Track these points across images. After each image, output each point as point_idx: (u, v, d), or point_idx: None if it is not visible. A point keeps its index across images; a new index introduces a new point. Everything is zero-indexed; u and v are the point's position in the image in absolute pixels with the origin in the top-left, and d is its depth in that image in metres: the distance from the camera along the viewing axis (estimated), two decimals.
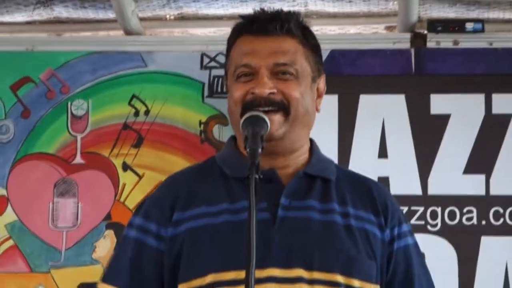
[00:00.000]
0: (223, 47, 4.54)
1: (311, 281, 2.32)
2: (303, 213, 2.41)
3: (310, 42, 2.49)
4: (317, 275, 2.33)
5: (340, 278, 2.34)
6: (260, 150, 2.22)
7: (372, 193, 2.54)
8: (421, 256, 2.64)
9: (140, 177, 4.86)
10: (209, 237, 2.39)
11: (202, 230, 2.40)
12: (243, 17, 2.52)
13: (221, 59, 4.77)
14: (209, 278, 2.33)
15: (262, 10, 2.49)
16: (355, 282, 2.35)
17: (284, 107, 2.36)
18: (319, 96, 2.55)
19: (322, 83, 2.55)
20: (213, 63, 4.89)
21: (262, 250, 2.12)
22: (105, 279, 2.51)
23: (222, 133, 4.85)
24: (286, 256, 2.33)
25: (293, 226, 2.38)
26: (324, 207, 2.43)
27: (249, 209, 2.10)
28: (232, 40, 2.52)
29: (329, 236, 2.40)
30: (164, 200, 2.47)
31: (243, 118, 2.30)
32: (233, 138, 2.60)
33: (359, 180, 2.62)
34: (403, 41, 4.90)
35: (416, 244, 2.60)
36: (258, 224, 2.10)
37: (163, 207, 2.45)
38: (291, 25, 2.43)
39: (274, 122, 2.32)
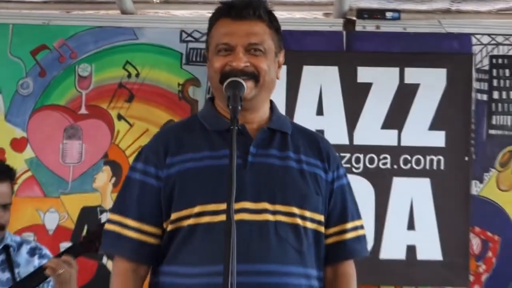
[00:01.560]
0: (198, 26, 5.25)
1: (274, 212, 2.62)
2: (267, 159, 2.72)
3: (274, 25, 2.81)
4: (278, 207, 2.63)
5: (296, 210, 2.65)
6: (240, 108, 2.56)
7: (319, 144, 2.85)
8: (352, 192, 2.92)
9: (131, 125, 5.28)
10: (195, 177, 2.69)
11: (190, 171, 2.72)
12: (222, 3, 2.80)
13: (196, 35, 5.30)
14: (197, 209, 2.63)
15: None
16: (307, 213, 2.67)
17: (254, 76, 2.68)
18: (279, 66, 2.86)
19: (281, 57, 2.86)
20: (189, 38, 5.32)
21: (237, 188, 2.35)
22: (117, 211, 2.82)
23: (195, 93, 5.28)
24: (255, 192, 2.61)
25: (259, 170, 2.68)
26: (282, 155, 2.74)
27: (230, 153, 2.42)
28: (213, 21, 2.79)
29: (287, 177, 2.71)
30: (158, 148, 2.79)
31: (227, 81, 2.63)
32: (210, 99, 2.92)
33: (309, 134, 2.92)
34: (337, 25, 5.30)
35: (349, 184, 2.91)
36: (229, 170, 2.39)
37: (159, 153, 2.76)
38: (260, 11, 2.75)
39: (248, 86, 2.65)
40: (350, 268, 2.85)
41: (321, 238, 2.78)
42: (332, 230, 2.81)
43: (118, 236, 2.75)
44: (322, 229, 2.77)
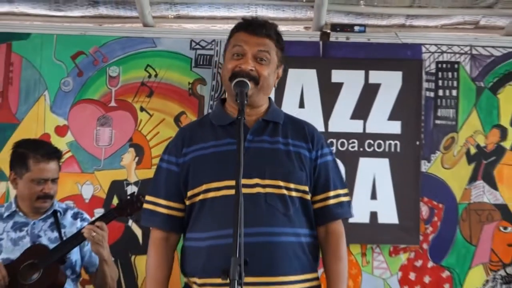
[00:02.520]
0: (204, 36, 5.25)
1: (264, 186, 2.74)
2: (259, 144, 2.83)
3: (280, 44, 2.90)
4: (267, 181, 2.75)
5: (281, 183, 2.76)
6: (246, 102, 2.66)
7: (304, 129, 2.93)
8: (338, 167, 3.03)
9: (150, 115, 5.22)
10: (202, 162, 2.83)
11: (199, 158, 2.84)
12: (243, 19, 2.91)
13: (203, 43, 5.24)
14: (204, 187, 2.77)
15: (256, 19, 2.91)
16: (291, 185, 2.77)
17: (256, 79, 2.75)
18: (277, 78, 2.94)
19: (280, 71, 2.95)
20: (197, 46, 5.25)
21: (235, 168, 2.43)
22: (151, 193, 2.95)
23: (202, 90, 5.23)
24: (249, 171, 2.60)
25: (253, 153, 2.77)
26: (272, 140, 2.84)
27: (238, 139, 2.50)
28: (233, 32, 2.90)
29: (275, 158, 2.81)
30: (177, 142, 2.93)
31: (235, 80, 2.71)
32: (221, 101, 2.99)
33: (297, 122, 2.99)
34: (315, 37, 5.25)
35: (334, 160, 2.99)
36: (233, 152, 2.51)
37: (177, 146, 2.90)
38: (271, 32, 2.85)
39: (250, 86, 2.73)
40: (338, 227, 2.93)
41: (308, 204, 2.86)
42: (318, 197, 2.90)
43: (153, 212, 2.90)
44: (307, 196, 2.85)
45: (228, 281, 2.17)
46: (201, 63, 5.32)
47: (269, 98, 2.98)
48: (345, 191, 2.97)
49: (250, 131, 2.82)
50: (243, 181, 2.49)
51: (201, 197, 2.79)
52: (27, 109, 5.28)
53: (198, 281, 2.77)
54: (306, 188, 2.84)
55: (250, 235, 2.52)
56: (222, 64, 2.96)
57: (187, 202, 2.86)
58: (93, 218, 3.93)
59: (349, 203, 2.99)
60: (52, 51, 5.31)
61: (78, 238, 3.76)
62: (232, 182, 2.43)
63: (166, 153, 2.95)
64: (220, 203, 2.72)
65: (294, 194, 2.80)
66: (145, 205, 2.94)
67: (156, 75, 5.33)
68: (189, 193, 2.83)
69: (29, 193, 3.87)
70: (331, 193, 2.90)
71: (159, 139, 5.23)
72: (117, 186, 5.22)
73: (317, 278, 2.87)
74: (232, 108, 2.87)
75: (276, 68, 2.90)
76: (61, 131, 5.28)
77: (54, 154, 3.97)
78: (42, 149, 3.95)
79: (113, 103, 5.33)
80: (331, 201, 2.90)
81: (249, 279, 2.35)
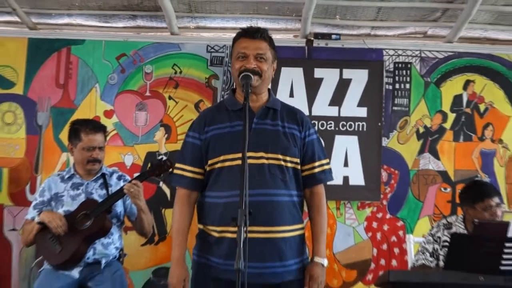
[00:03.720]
0: (217, 42, 5.19)
1: (267, 158, 2.77)
2: (263, 126, 2.85)
3: (272, 45, 2.89)
4: (270, 155, 2.78)
5: (280, 156, 2.80)
6: (250, 91, 2.71)
7: (296, 115, 2.96)
8: (321, 143, 3.05)
9: (176, 102, 5.15)
10: (220, 139, 2.84)
11: (217, 135, 2.86)
12: (242, 29, 2.90)
13: (216, 48, 5.22)
14: (221, 158, 2.80)
15: (251, 27, 2.92)
16: (287, 158, 2.81)
17: (259, 73, 2.79)
18: (273, 70, 2.94)
19: (275, 64, 2.95)
20: (212, 50, 5.21)
21: (242, 143, 2.49)
22: (179, 161, 2.95)
23: (215, 83, 5.18)
24: (255, 146, 2.73)
25: (259, 133, 2.81)
26: (273, 123, 2.86)
27: (244, 121, 2.55)
28: (236, 39, 2.89)
29: (275, 136, 2.83)
30: (200, 122, 2.92)
31: (242, 74, 2.75)
32: (232, 91, 2.98)
33: (291, 109, 3.00)
34: (301, 43, 5.21)
35: (318, 138, 3.02)
36: (243, 132, 2.53)
37: (200, 125, 2.91)
38: (265, 36, 2.86)
39: (254, 79, 2.77)
40: (320, 189, 2.98)
41: (298, 172, 2.90)
42: (306, 167, 2.94)
43: (181, 176, 2.91)
44: (298, 167, 2.89)
45: (237, 227, 2.32)
46: (215, 62, 5.28)
47: (269, 90, 2.98)
48: (326, 160, 3.01)
49: (256, 115, 2.83)
50: (251, 154, 2.69)
51: (219, 165, 2.81)
52: (82, 97, 5.24)
53: (218, 228, 2.79)
54: (298, 160, 2.87)
55: (257, 195, 2.67)
56: (231, 63, 2.93)
57: (207, 168, 2.86)
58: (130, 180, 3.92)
59: (330, 170, 3.02)
60: (101, 53, 5.28)
61: (120, 194, 3.77)
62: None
63: (191, 130, 2.95)
64: (234, 170, 2.74)
65: (289, 165, 2.83)
66: (175, 171, 2.94)
67: (180, 72, 5.27)
68: (210, 162, 2.84)
69: (81, 158, 3.89)
70: (316, 164, 2.95)
71: (183, 120, 5.20)
72: (150, 156, 5.16)
73: (302, 228, 2.91)
74: (241, 96, 2.87)
75: (271, 63, 2.91)
76: (108, 114, 5.23)
77: (100, 128, 3.98)
78: (90, 124, 3.99)
79: (148, 93, 5.27)
80: (316, 170, 2.94)
81: (254, 228, 2.57)
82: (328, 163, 3.01)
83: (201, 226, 2.90)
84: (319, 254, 2.86)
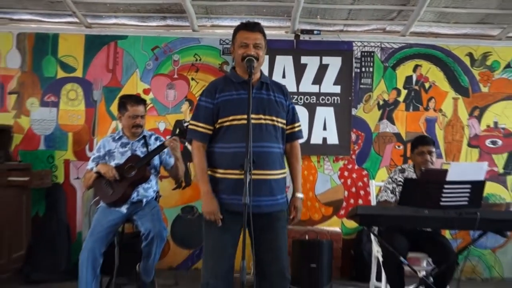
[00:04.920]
0: (227, 37, 5.10)
1: (265, 119, 2.71)
2: (260, 95, 2.76)
3: (264, 36, 2.79)
4: (267, 117, 2.73)
5: (274, 118, 2.74)
6: (253, 70, 2.67)
7: (282, 88, 2.87)
8: (296, 111, 2.93)
9: (197, 83, 5.11)
10: (228, 103, 2.75)
11: (226, 101, 2.75)
12: (242, 23, 2.82)
13: (227, 41, 5.13)
14: (230, 118, 2.72)
15: (249, 21, 2.81)
16: (279, 119, 2.76)
17: (257, 58, 2.71)
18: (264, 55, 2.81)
19: (265, 50, 2.82)
20: (224, 43, 5.13)
21: (247, 108, 2.53)
22: (194, 119, 2.84)
23: (226, 68, 5.09)
24: (256, 110, 2.68)
25: (258, 100, 2.73)
26: (267, 93, 2.78)
27: (248, 92, 2.57)
28: (236, 31, 2.80)
29: (270, 103, 2.76)
30: (211, 89, 2.82)
31: (247, 58, 2.69)
32: (233, 68, 2.89)
33: (278, 84, 2.91)
34: (291, 37, 5.12)
35: (294, 106, 2.92)
36: (246, 99, 2.57)
37: (212, 92, 2.80)
38: (260, 29, 2.78)
39: (254, 62, 2.69)
40: (297, 143, 2.94)
41: (284, 131, 2.84)
42: (289, 126, 2.89)
43: (195, 131, 2.81)
44: (285, 126, 2.84)
45: (243, 171, 2.44)
46: (225, 52, 5.21)
47: (261, 70, 2.88)
48: (300, 123, 2.96)
49: (254, 87, 2.75)
50: (253, 116, 2.64)
51: (228, 123, 2.73)
52: (126, 79, 5.20)
53: (221, 171, 2.73)
54: (285, 122, 2.82)
55: (256, 147, 2.63)
56: (233, 48, 2.82)
57: (217, 126, 2.76)
58: (166, 138, 3.87)
59: (301, 130, 2.97)
60: (140, 46, 5.21)
61: (159, 149, 3.75)
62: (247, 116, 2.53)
63: (203, 96, 2.82)
64: (240, 127, 2.67)
65: (280, 125, 2.78)
66: (190, 126, 2.83)
67: (200, 60, 5.20)
68: (220, 120, 2.74)
69: (128, 124, 3.85)
70: (296, 125, 2.91)
71: None
72: (178, 123, 5.12)
73: (285, 173, 2.84)
74: (241, 72, 2.81)
75: (264, 51, 2.82)
76: (146, 92, 5.16)
77: (141, 101, 3.91)
78: (134, 98, 3.94)
79: (175, 76, 5.20)
80: (296, 129, 2.91)
81: (256, 171, 2.56)
82: (300, 125, 2.95)
83: (209, 171, 2.78)
84: (299, 190, 2.87)
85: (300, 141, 2.96)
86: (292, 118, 2.88)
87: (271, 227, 2.71)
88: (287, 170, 2.87)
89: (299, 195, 2.86)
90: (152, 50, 5.23)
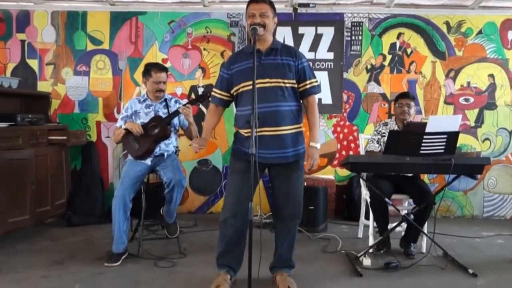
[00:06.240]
0: (234, 11, 5.00)
1: (271, 82, 2.64)
2: (268, 61, 2.70)
3: (272, 6, 2.75)
4: (273, 80, 2.66)
5: (280, 80, 2.67)
6: (257, 38, 2.63)
7: (291, 50, 2.78)
8: (310, 67, 2.82)
9: (208, 52, 5.02)
10: (240, 72, 2.74)
11: (238, 70, 2.76)
12: None
13: (234, 15, 5.03)
14: (241, 84, 2.73)
15: None
16: (286, 80, 2.67)
17: (264, 25, 2.67)
18: (275, 23, 2.81)
19: (276, 19, 2.80)
20: (231, 16, 5.03)
21: (255, 74, 2.44)
22: (215, 87, 2.88)
23: (233, 39, 5.01)
24: (262, 75, 2.62)
25: (266, 65, 2.67)
26: (275, 58, 2.71)
27: (253, 57, 2.51)
28: (247, 7, 2.74)
29: (276, 67, 2.68)
30: (229, 61, 2.83)
31: (251, 27, 2.65)
32: (249, 40, 2.89)
33: (288, 47, 2.83)
34: (290, 10, 5.05)
35: (308, 65, 2.81)
36: (252, 66, 2.47)
37: (229, 64, 2.81)
38: (266, 0, 2.73)
39: (260, 30, 2.66)
40: (311, 99, 2.86)
41: (295, 90, 2.75)
42: (301, 84, 2.79)
43: (214, 96, 2.90)
44: (295, 85, 2.74)
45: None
46: (233, 25, 5.12)
47: (274, 36, 2.83)
48: (316, 79, 2.84)
49: (263, 54, 2.71)
50: (260, 80, 2.59)
51: (240, 90, 2.75)
52: (147, 50, 5.12)
53: (240, 130, 2.82)
54: (294, 81, 2.72)
55: (265, 107, 2.63)
56: (247, 22, 2.75)
57: (234, 93, 2.81)
58: (183, 102, 3.85)
59: (318, 85, 2.87)
60: (158, 20, 5.12)
61: (177, 112, 3.73)
62: (256, 81, 2.48)
63: (223, 67, 2.87)
64: (249, 93, 2.68)
65: (288, 85, 2.70)
66: (212, 93, 2.92)
67: (210, 32, 5.11)
68: (235, 88, 2.77)
69: (152, 89, 3.81)
70: (307, 82, 2.80)
71: (213, 64, 5.09)
72: (193, 88, 5.11)
73: (300, 127, 2.81)
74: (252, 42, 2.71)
75: (272, 18, 2.78)
76: (164, 61, 5.07)
77: (164, 68, 3.85)
78: (157, 65, 3.86)
79: (189, 46, 5.11)
80: (308, 86, 2.80)
81: (265, 128, 2.64)
82: (316, 81, 2.82)
83: (235, 130, 2.89)
84: (313, 140, 2.79)
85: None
86: (304, 76, 2.77)
87: (284, 176, 2.75)
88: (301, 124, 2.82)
89: (314, 144, 2.78)
90: (169, 24, 5.14)
